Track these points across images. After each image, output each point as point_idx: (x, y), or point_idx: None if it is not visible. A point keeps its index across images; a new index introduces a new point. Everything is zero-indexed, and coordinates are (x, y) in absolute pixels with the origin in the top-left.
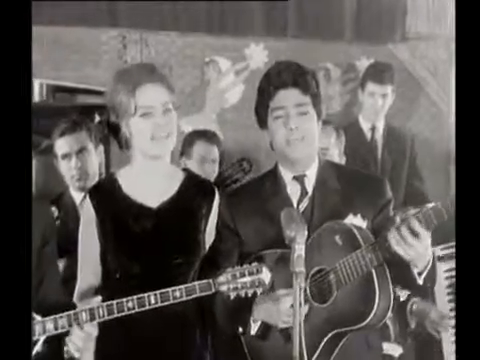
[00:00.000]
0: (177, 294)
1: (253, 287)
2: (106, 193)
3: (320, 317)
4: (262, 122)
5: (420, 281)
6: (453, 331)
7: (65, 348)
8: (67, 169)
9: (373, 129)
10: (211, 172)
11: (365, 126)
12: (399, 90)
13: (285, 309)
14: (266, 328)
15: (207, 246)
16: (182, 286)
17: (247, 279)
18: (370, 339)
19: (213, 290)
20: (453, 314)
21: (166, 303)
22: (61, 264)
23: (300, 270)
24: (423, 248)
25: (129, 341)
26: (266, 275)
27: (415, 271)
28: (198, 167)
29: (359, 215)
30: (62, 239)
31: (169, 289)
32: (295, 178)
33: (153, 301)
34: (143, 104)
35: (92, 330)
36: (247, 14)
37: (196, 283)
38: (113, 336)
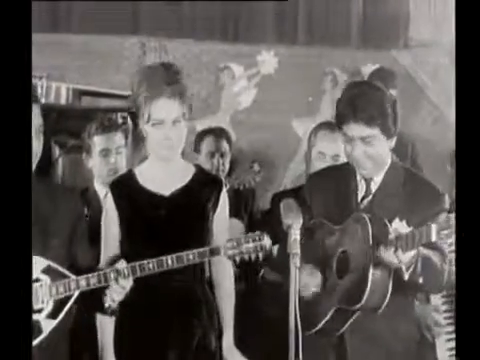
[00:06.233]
0: (191, 257)
1: (256, 252)
2: (125, 186)
3: (333, 290)
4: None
5: (406, 276)
6: (447, 337)
7: (105, 298)
8: (103, 164)
9: None
10: (221, 164)
11: None
12: (401, 94)
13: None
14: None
15: (214, 234)
16: (195, 250)
17: (251, 245)
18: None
19: (222, 254)
20: (446, 322)
21: (181, 265)
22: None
23: (296, 252)
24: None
25: (139, 320)
26: (267, 241)
27: (403, 269)
28: (207, 160)
29: (404, 221)
30: (92, 231)
31: (184, 253)
32: (364, 179)
33: (170, 263)
34: (156, 117)
35: (127, 284)
36: (259, 23)
37: (207, 248)
38: (128, 318)
